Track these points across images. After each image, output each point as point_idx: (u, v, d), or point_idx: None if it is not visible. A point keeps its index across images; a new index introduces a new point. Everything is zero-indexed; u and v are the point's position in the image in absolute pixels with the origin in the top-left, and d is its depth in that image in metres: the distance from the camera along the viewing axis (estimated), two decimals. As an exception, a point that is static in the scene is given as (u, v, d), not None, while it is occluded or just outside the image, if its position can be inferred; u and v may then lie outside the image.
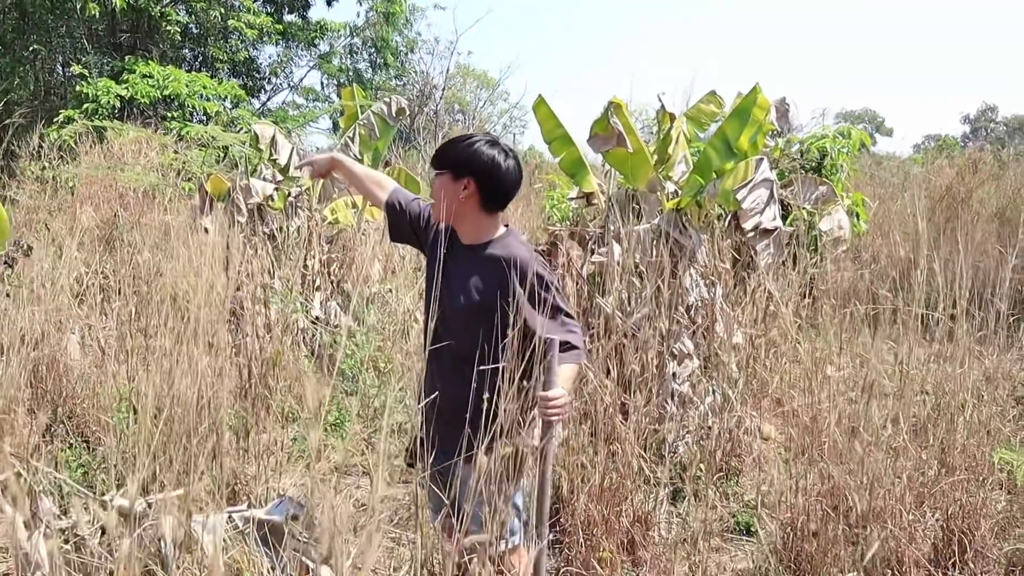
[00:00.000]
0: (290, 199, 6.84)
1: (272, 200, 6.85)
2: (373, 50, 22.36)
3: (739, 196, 4.37)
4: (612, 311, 4.34)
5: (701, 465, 4.11)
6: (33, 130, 11.85)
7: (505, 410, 2.28)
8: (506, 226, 2.75)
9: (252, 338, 3.70)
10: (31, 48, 18.04)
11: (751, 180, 4.42)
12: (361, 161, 7.12)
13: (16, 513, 2.14)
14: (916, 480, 3.39)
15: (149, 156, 12.19)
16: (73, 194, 9.97)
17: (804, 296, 5.18)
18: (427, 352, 2.66)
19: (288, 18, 21.35)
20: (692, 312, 4.89)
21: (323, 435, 4.47)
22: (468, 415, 2.34)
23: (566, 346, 2.56)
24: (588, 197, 5.76)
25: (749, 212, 4.41)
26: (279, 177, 6.99)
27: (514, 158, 2.69)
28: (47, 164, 10.84)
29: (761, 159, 4.54)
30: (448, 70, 24.68)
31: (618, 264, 4.90)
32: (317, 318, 6.63)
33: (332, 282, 6.92)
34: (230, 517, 2.50)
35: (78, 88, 15.99)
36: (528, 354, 2.43)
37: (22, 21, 18.29)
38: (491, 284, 2.58)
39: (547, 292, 2.59)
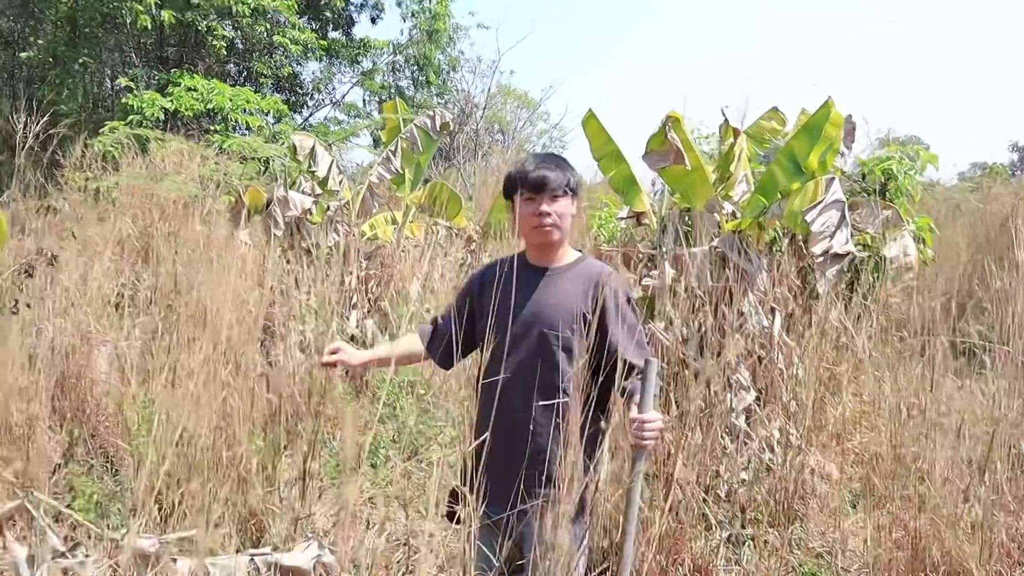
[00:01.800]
0: (328, 213, 6.65)
1: (311, 214, 6.66)
2: (415, 68, 22.31)
3: (808, 218, 4.07)
4: (671, 341, 4.05)
5: (762, 508, 3.80)
6: (77, 141, 11.87)
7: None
8: (580, 250, 2.69)
9: (285, 358, 3.46)
10: (80, 61, 18.23)
11: (821, 201, 4.12)
12: (402, 176, 6.91)
13: (18, 550, 1.91)
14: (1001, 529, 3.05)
15: (190, 168, 12.17)
16: (114, 204, 9.92)
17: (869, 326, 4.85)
18: (497, 382, 2.44)
19: (332, 35, 21.41)
20: (750, 341, 4.58)
21: (358, 465, 4.22)
22: (546, 454, 2.14)
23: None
24: (639, 217, 5.49)
25: (819, 235, 4.10)
26: (318, 190, 6.80)
27: None
28: (90, 174, 10.81)
29: (832, 178, 4.24)
30: (490, 89, 24.55)
31: (671, 288, 4.62)
32: (352, 337, 6.41)
33: (369, 300, 6.70)
34: (252, 560, 2.25)
35: (123, 100, 16.09)
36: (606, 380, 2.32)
37: (73, 34, 18.50)
38: (580, 304, 2.46)
39: (634, 313, 2.55)
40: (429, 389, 5.25)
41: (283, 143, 14.39)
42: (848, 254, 4.08)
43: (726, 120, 4.64)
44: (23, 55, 18.15)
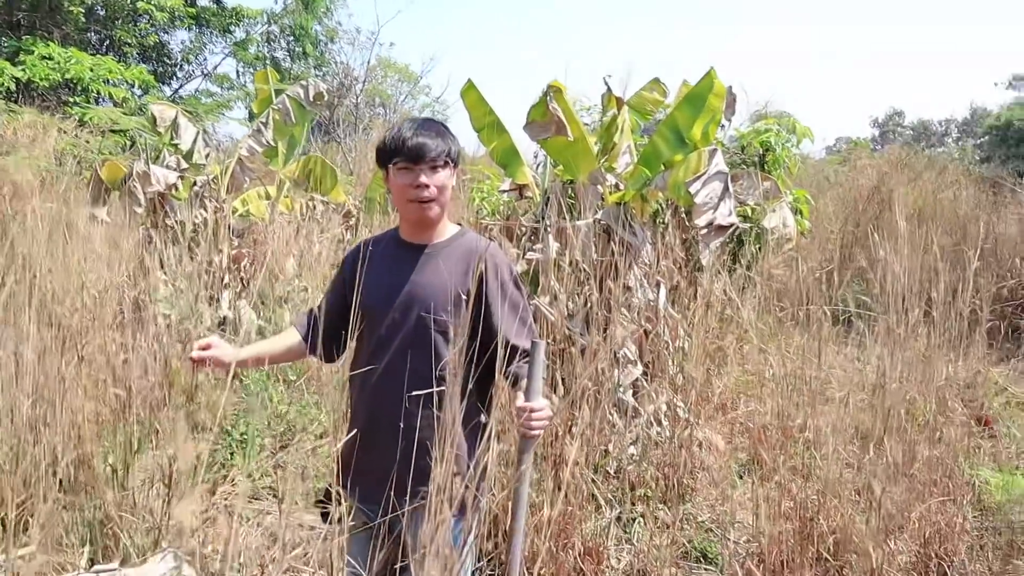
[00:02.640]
0: (195, 188, 6.25)
1: (176, 189, 6.25)
2: (291, 38, 21.58)
3: (692, 189, 4.01)
4: (556, 316, 3.93)
5: (651, 485, 3.74)
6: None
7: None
8: (459, 224, 2.47)
9: (133, 349, 3.14)
10: (-84, 26, 16.81)
11: (705, 172, 4.06)
12: (275, 149, 6.57)
13: None
14: (887, 499, 3.07)
15: (46, 142, 11.36)
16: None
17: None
18: (370, 371, 2.25)
19: (202, 3, 20.43)
20: (636, 315, 4.52)
21: (226, 455, 3.95)
22: (424, 449, 1.95)
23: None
24: (521, 190, 5.35)
25: (702, 207, 4.05)
26: (184, 165, 6.38)
27: None
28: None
29: (715, 150, 4.18)
30: (369, 62, 23.97)
31: (555, 262, 4.51)
32: (225, 319, 6.06)
33: (242, 280, 6.36)
34: (95, 577, 2.00)
35: (-35, 70, 14.91)
36: (487, 364, 2.14)
37: (-94, -2, 17.00)
38: (459, 284, 2.25)
39: (519, 291, 2.36)
40: (300, 375, 4.98)
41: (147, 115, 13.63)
42: (732, 226, 4.05)
43: (608, 89, 4.53)
44: None
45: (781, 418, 3.82)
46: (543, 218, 4.87)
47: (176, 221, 5.82)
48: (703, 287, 4.17)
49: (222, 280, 6.28)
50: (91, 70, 15.04)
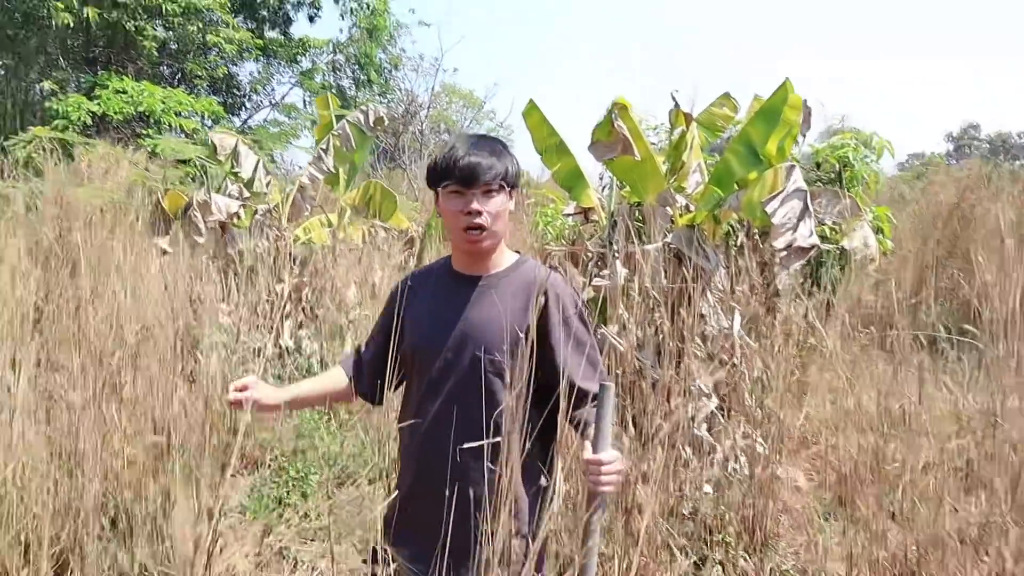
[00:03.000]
0: (257, 217, 6.20)
1: (238, 218, 6.21)
2: (356, 67, 21.82)
3: (769, 209, 3.75)
4: (625, 347, 3.70)
5: (729, 528, 3.47)
6: (-2, 149, 11.22)
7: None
8: (518, 252, 2.23)
9: (174, 390, 3.00)
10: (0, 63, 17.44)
11: (782, 190, 3.80)
12: (336, 175, 6.49)
13: None
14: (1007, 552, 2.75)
15: (118, 173, 11.57)
16: (30, 212, 9.36)
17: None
18: (420, 396, 2.08)
19: (269, 34, 20.81)
20: (710, 344, 4.26)
21: (282, 493, 3.80)
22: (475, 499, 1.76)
23: None
24: (586, 213, 5.15)
25: (781, 228, 3.79)
26: (246, 193, 6.34)
27: None
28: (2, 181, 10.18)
29: (793, 166, 3.92)
30: (433, 88, 24.11)
31: (623, 289, 4.29)
32: (286, 349, 5.97)
33: (303, 309, 6.26)
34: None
35: (48, 105, 15.38)
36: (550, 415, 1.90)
37: (-10, 37, 17.66)
38: (518, 320, 2.01)
39: (585, 327, 2.13)
40: (355, 413, 4.82)
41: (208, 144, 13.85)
42: (813, 247, 3.78)
43: (676, 105, 4.30)
44: (-63, 58, 17.27)
45: (875, 456, 3.53)
46: (610, 243, 4.65)
47: (236, 251, 5.76)
48: (781, 313, 3.90)
49: (283, 310, 6.20)
50: (163, 102, 15.38)
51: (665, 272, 4.22)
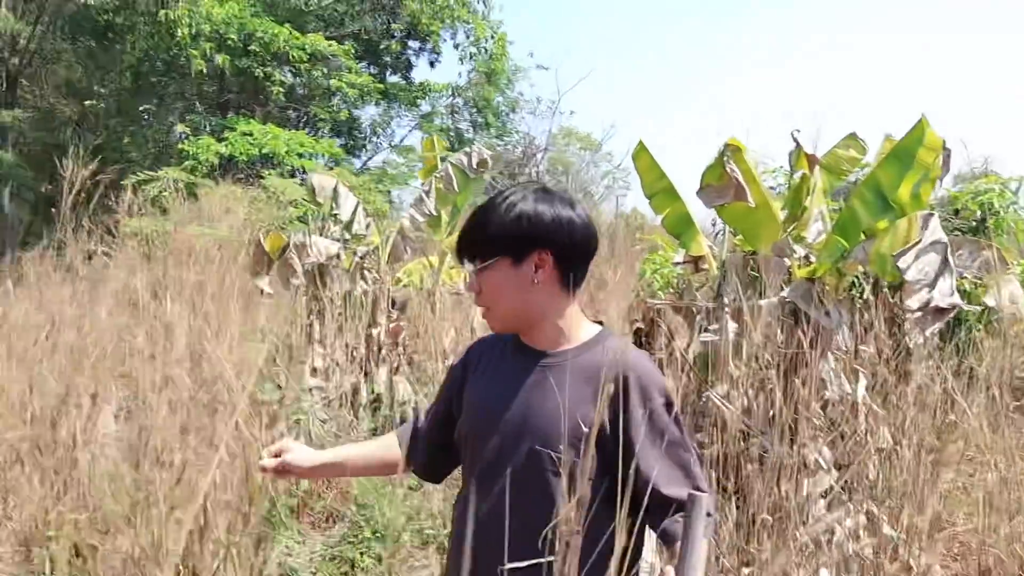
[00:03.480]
0: (356, 259, 6.09)
1: (339, 259, 6.12)
2: (474, 110, 22.05)
3: (901, 263, 3.32)
4: (733, 412, 3.32)
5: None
6: (134, 188, 11.72)
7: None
8: (598, 323, 1.85)
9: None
10: (142, 108, 18.40)
11: (918, 242, 3.36)
12: (437, 218, 6.33)
13: None
14: None
15: (238, 214, 11.88)
16: (148, 249, 9.69)
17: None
18: (472, 487, 1.78)
19: (391, 79, 21.30)
20: (830, 409, 3.82)
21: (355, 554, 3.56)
22: None
23: None
24: (696, 262, 4.78)
25: (915, 284, 3.34)
26: (347, 236, 6.26)
27: (578, 203, 1.81)
28: (126, 220, 10.58)
29: (930, 215, 3.47)
30: (550, 130, 24.13)
31: (734, 346, 3.91)
32: (379, 395, 5.81)
33: (399, 354, 6.09)
34: None
35: (180, 146, 16.09)
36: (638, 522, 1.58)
37: (136, 82, 18.70)
38: (587, 410, 1.67)
39: (675, 421, 1.73)
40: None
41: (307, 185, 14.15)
42: (953, 308, 3.31)
43: (797, 145, 3.90)
44: (87, 103, 18.35)
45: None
46: (719, 295, 4.28)
47: (334, 293, 5.65)
48: (914, 381, 3.43)
49: (379, 353, 6.05)
50: (286, 144, 15.83)
51: (780, 329, 3.82)
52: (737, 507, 3.07)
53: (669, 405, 1.71)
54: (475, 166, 6.26)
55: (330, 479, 4.23)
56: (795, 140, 3.88)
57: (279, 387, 3.88)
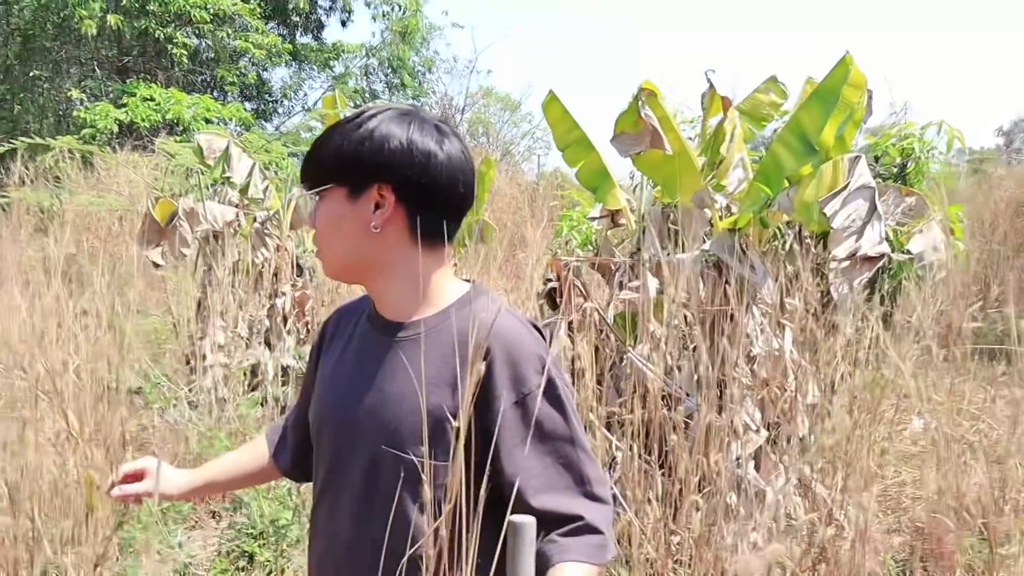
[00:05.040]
0: (256, 225, 5.69)
1: (240, 226, 5.70)
2: (390, 70, 21.47)
3: (828, 210, 3.12)
4: (656, 374, 3.09)
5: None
6: (25, 159, 10.98)
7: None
8: (469, 281, 1.46)
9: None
10: (32, 74, 17.37)
11: (844, 187, 3.16)
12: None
13: None
14: None
15: (136, 181, 11.26)
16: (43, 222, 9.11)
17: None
18: (317, 494, 1.47)
19: (302, 40, 20.56)
20: (756, 366, 3.63)
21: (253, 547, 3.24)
22: None
23: (580, 526, 1.30)
24: (614, 216, 4.54)
25: (843, 232, 3.15)
26: (246, 200, 5.84)
27: (454, 136, 1.39)
28: (10, 189, 9.92)
29: (858, 158, 3.27)
30: (467, 90, 23.68)
31: (655, 303, 3.69)
32: (287, 367, 5.46)
33: (307, 324, 5.74)
34: None
35: (75, 113, 15.24)
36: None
37: (25, 47, 17.61)
38: (446, 396, 1.30)
39: (560, 414, 1.34)
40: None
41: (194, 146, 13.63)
42: (882, 256, 3.13)
43: (711, 86, 3.65)
44: (-30, 70, 17.25)
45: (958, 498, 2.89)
46: (638, 250, 4.05)
47: (231, 262, 5.25)
48: (844, 336, 3.24)
49: (284, 325, 5.69)
50: (189, 109, 15.11)
51: (703, 285, 3.61)
52: (664, 472, 2.85)
53: (549, 384, 1.32)
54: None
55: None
56: (708, 80, 3.63)
57: (146, 374, 3.50)
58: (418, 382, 1.29)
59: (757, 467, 3.62)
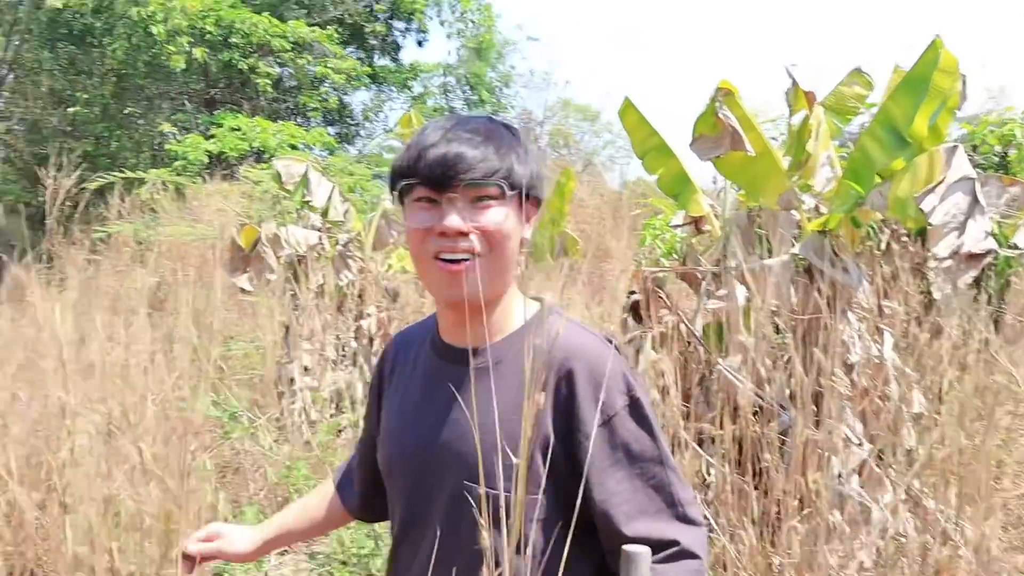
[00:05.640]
0: (339, 248, 5.74)
1: (324, 249, 5.76)
2: (467, 87, 21.61)
3: (925, 206, 2.93)
4: (748, 387, 2.95)
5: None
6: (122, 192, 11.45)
7: None
8: (538, 299, 1.38)
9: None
10: (126, 111, 18.09)
11: (942, 181, 2.97)
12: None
13: None
14: None
15: (227, 210, 11.59)
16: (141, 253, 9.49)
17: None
18: (395, 537, 1.41)
19: (381, 62, 20.89)
20: (854, 376, 3.44)
21: None
22: None
23: (676, 551, 1.22)
24: (697, 223, 4.41)
25: (942, 229, 2.95)
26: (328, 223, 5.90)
27: None
28: (111, 221, 10.33)
29: (955, 147, 3.07)
30: (546, 103, 23.68)
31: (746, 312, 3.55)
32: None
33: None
34: None
35: (167, 146, 15.80)
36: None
37: (119, 86, 18.38)
38: (520, 419, 1.17)
39: (648, 434, 1.26)
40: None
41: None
42: (988, 252, 2.92)
43: (794, 83, 3.48)
44: (71, 111, 18.06)
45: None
46: (724, 257, 3.90)
47: (316, 285, 5.30)
48: (950, 339, 3.03)
49: (371, 346, 5.71)
50: (274, 136, 15.48)
51: (794, 291, 3.44)
52: (758, 490, 2.71)
53: (634, 404, 1.26)
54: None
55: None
56: (790, 75, 3.46)
57: (215, 402, 3.52)
58: (505, 408, 1.23)
59: (861, 483, 3.43)
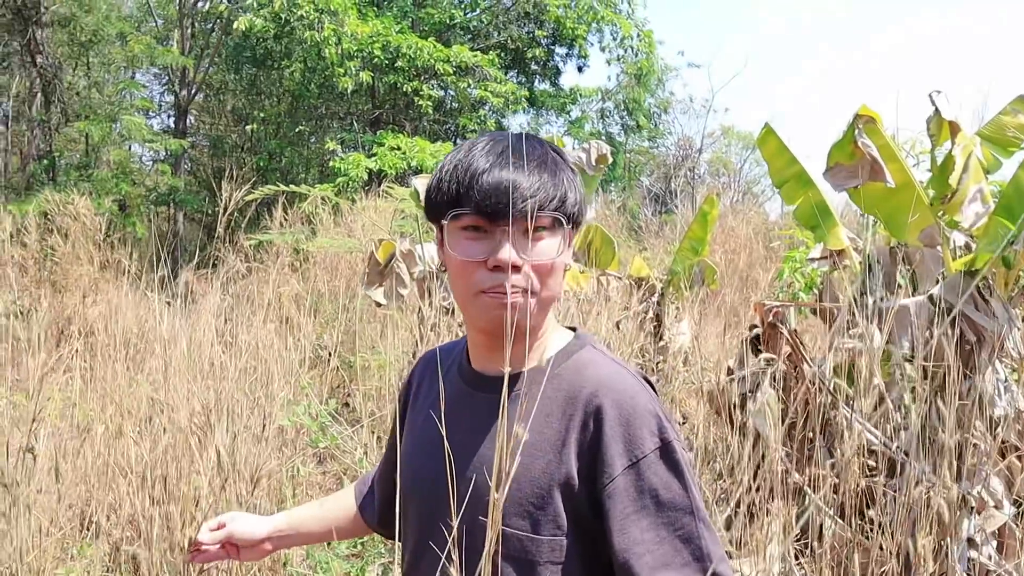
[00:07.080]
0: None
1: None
2: (625, 113, 21.56)
3: (1086, 248, 2.64)
4: (879, 438, 2.74)
5: None
6: (287, 206, 12.10)
7: None
8: (572, 329, 1.34)
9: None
10: (298, 129, 19.11)
11: (1107, 220, 2.66)
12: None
13: None
14: None
15: (376, 223, 12.02)
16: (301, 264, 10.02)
17: None
18: (405, 569, 1.36)
19: (541, 87, 21.17)
20: (999, 429, 3.14)
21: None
22: None
23: None
24: (836, 257, 4.16)
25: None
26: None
27: None
28: (255, 235, 10.91)
29: (1123, 185, 2.76)
30: (704, 129, 23.30)
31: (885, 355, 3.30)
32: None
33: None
34: None
35: (331, 163, 16.55)
36: None
37: (292, 106, 19.47)
38: (562, 465, 1.18)
39: (679, 480, 1.17)
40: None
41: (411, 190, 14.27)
42: None
43: (936, 111, 3.20)
44: (249, 128, 19.26)
45: None
46: (860, 295, 3.65)
47: (438, 303, 5.36)
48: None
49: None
50: (432, 155, 15.94)
51: (932, 335, 3.18)
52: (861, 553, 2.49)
53: (665, 447, 1.16)
54: (594, 162, 5.84)
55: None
56: (932, 103, 3.20)
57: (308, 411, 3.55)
58: (535, 445, 1.18)
59: (1000, 549, 3.12)
